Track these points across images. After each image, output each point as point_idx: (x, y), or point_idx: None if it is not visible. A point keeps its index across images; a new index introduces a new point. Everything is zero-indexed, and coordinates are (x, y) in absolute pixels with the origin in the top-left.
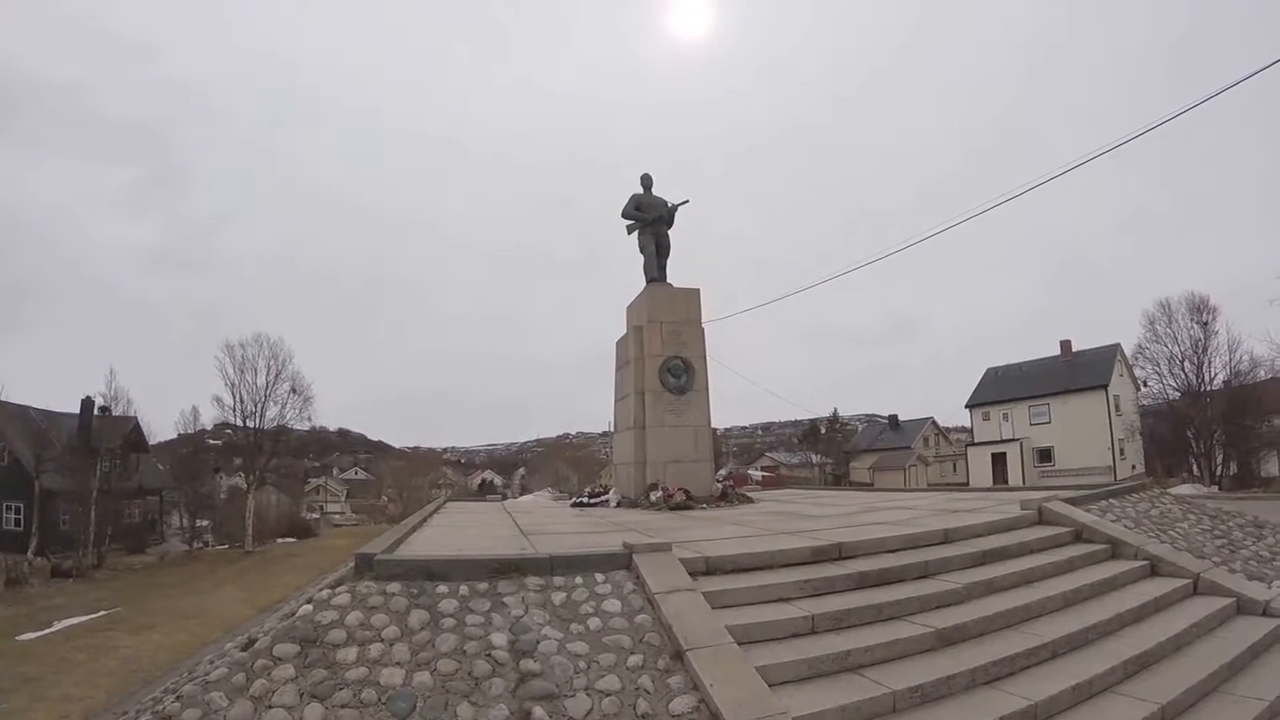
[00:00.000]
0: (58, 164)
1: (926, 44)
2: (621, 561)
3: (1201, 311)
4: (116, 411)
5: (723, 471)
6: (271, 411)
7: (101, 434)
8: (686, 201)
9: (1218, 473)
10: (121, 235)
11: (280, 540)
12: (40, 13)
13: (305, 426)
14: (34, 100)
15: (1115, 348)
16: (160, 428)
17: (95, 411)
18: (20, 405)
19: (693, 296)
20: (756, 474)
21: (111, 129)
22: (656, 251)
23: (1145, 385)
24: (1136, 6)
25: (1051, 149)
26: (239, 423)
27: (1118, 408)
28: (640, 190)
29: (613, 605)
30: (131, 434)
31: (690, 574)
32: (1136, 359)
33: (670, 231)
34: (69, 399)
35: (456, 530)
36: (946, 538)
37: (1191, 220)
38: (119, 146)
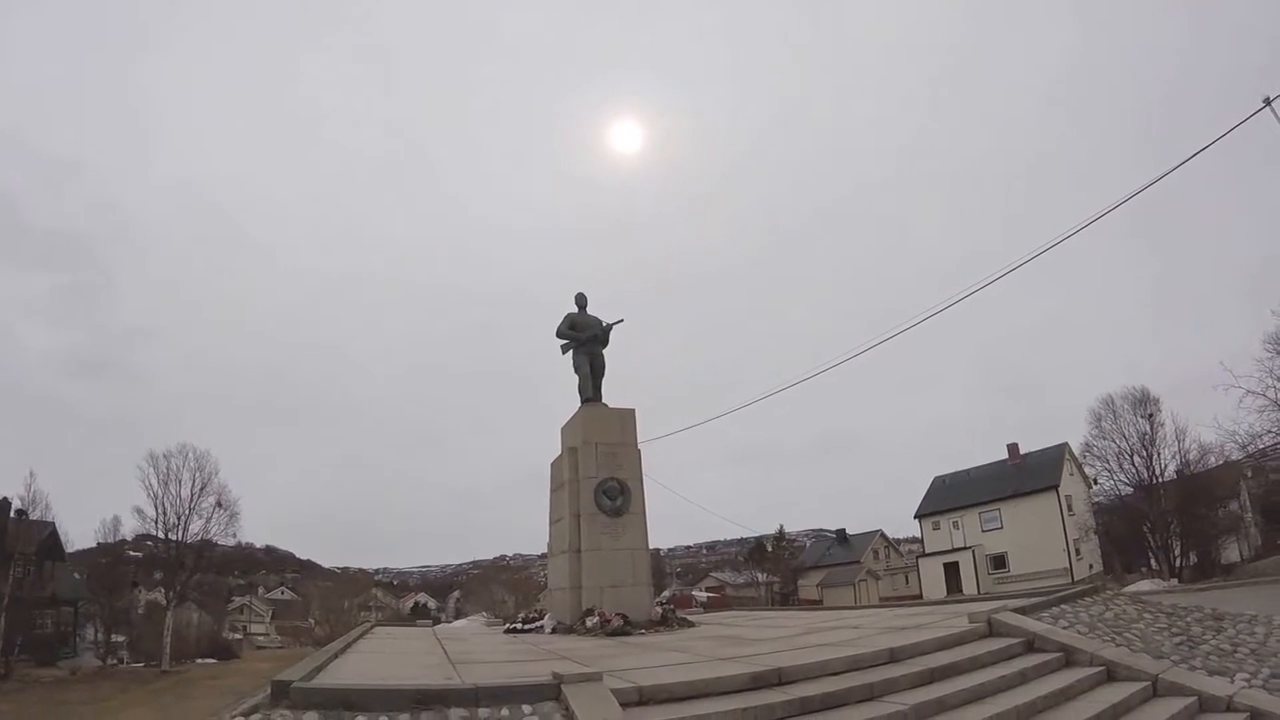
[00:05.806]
0: None
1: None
2: (550, 692)
3: (1145, 405)
4: (34, 515)
5: (665, 594)
6: (195, 525)
7: (17, 538)
8: (621, 320)
9: (1177, 565)
10: (44, 340)
11: (199, 660)
12: None
13: (230, 542)
14: None
15: (1063, 447)
16: (78, 535)
17: (11, 514)
18: None
19: (628, 417)
20: (701, 595)
21: (36, 236)
22: (591, 371)
23: (1096, 483)
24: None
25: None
26: (161, 535)
27: (1070, 508)
28: (575, 309)
29: None
30: (48, 540)
31: (622, 704)
32: (1085, 457)
33: (605, 351)
34: None
35: (382, 657)
36: (893, 656)
37: (1118, 315)
38: (42, 253)
